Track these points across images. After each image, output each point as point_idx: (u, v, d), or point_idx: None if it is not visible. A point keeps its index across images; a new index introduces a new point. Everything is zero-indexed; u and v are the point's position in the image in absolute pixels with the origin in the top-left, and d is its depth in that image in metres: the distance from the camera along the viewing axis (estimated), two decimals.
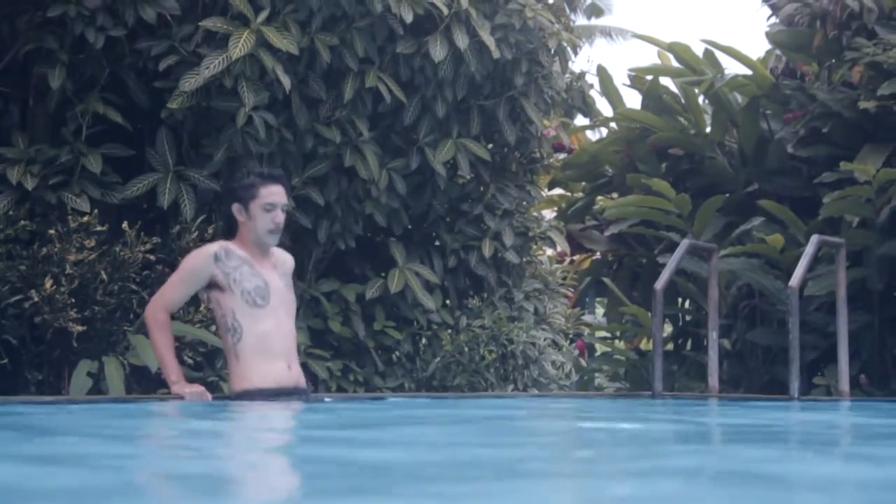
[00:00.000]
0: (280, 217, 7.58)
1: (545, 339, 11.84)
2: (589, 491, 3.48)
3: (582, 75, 13.40)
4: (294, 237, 10.55)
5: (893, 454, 5.09)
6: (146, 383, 9.15)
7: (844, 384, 10.62)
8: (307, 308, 10.74)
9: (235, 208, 7.65)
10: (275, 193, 7.57)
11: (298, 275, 10.79)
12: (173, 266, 9.61)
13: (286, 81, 9.68)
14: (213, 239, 9.86)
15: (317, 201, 10.41)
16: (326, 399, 8.62)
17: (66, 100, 9.65)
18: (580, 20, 28.36)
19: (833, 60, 14.78)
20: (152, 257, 9.40)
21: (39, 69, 9.55)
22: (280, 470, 4.10)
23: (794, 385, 10.00)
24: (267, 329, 7.47)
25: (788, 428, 7.34)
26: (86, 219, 9.16)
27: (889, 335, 13.79)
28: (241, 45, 9.39)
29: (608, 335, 17.40)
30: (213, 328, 9.65)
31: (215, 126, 9.95)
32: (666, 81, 16.28)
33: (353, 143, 10.44)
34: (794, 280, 10.13)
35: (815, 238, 10.79)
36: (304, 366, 10.11)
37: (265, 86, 9.78)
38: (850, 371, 11.13)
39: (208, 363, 9.79)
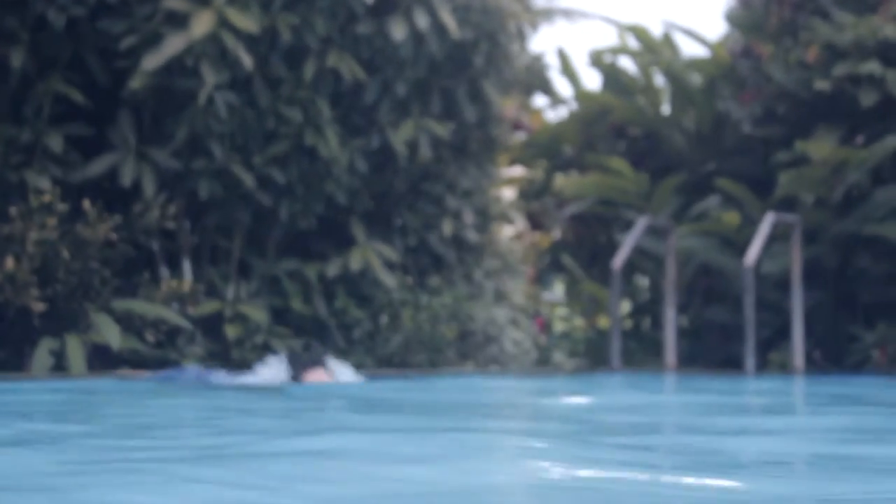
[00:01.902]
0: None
1: (505, 317, 11.94)
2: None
3: (541, 56, 13.48)
4: (255, 216, 10.60)
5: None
6: (108, 361, 9.20)
7: (799, 360, 10.78)
8: (268, 287, 10.80)
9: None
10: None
11: (260, 254, 10.86)
12: (135, 245, 9.67)
13: (247, 61, 9.72)
14: (174, 218, 9.92)
15: (278, 181, 10.46)
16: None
17: (28, 79, 9.67)
18: (540, 1, 28.40)
19: (789, 41, 14.91)
20: (114, 236, 9.42)
21: (0, 49, 9.55)
22: None
23: (750, 361, 10.15)
24: None
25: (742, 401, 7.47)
26: (47, 198, 9.17)
27: (843, 312, 13.95)
28: (202, 24, 9.42)
29: (567, 313, 17.50)
30: (175, 306, 9.71)
31: (177, 105, 9.98)
32: (625, 62, 16.39)
33: (314, 123, 10.48)
34: (750, 258, 10.26)
35: (770, 216, 10.93)
36: (265, 344, 10.22)
37: (226, 65, 9.81)
38: (805, 347, 11.29)
39: (170, 341, 9.84)
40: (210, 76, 9.59)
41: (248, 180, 10.15)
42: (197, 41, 9.44)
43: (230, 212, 10.44)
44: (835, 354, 13.63)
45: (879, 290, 13.86)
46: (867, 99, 13.27)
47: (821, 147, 13.08)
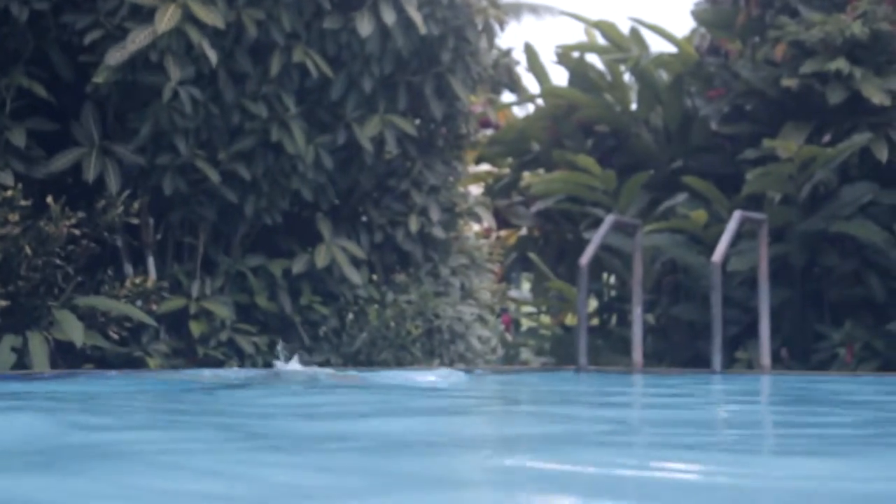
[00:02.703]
0: None
1: (471, 314, 11.89)
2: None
3: (508, 52, 13.44)
4: (220, 212, 10.53)
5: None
6: (71, 358, 9.12)
7: (766, 358, 10.77)
8: (233, 283, 10.73)
9: None
10: None
11: (225, 250, 10.79)
12: (99, 241, 9.58)
13: (212, 56, 9.64)
14: (138, 214, 9.84)
15: (243, 176, 10.38)
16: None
17: None
18: None
19: (756, 38, 14.93)
20: (77, 232, 9.34)
21: None
22: None
23: (717, 359, 10.13)
24: None
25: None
26: (9, 193, 9.08)
27: (810, 310, 13.98)
28: (167, 19, 9.33)
29: (534, 310, 17.50)
30: (139, 303, 9.64)
31: (141, 100, 9.89)
32: (592, 58, 16.38)
33: (279, 119, 10.42)
34: (717, 255, 10.25)
35: (737, 214, 10.92)
36: (230, 341, 10.16)
37: (191, 60, 9.73)
38: (772, 345, 11.29)
39: (134, 338, 9.77)
40: (175, 71, 9.51)
41: (213, 176, 10.08)
42: (161, 36, 9.36)
43: (195, 208, 10.36)
44: (801, 352, 13.65)
45: (846, 289, 13.90)
46: (834, 97, 13.29)
47: (788, 144, 13.10)
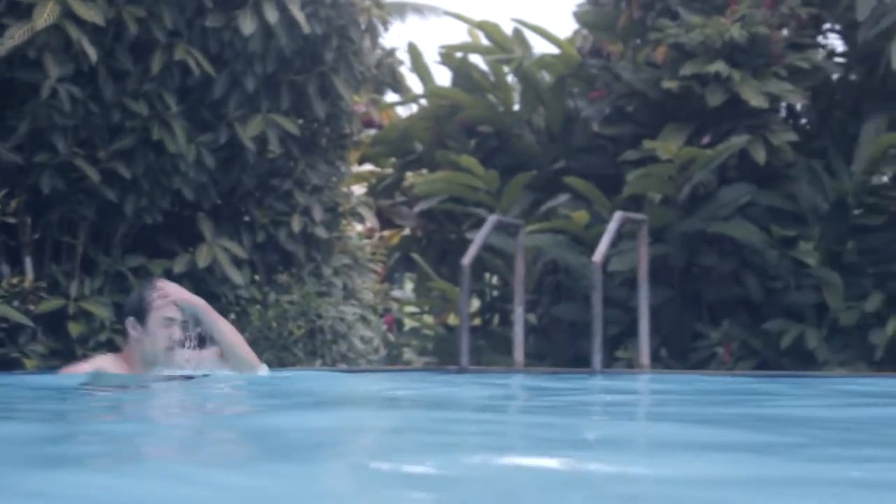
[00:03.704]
0: (178, 334, 7.25)
1: (354, 315, 11.87)
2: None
3: (392, 52, 13.44)
4: (100, 212, 10.40)
5: None
6: None
7: (645, 357, 10.88)
8: (113, 283, 10.60)
9: (129, 322, 7.27)
10: (175, 308, 7.26)
11: (104, 250, 10.65)
12: None
13: (92, 53, 9.52)
14: (15, 213, 9.68)
15: (123, 175, 10.26)
16: None
17: None
18: None
19: (638, 41, 15.10)
20: None
21: None
22: None
23: (597, 359, 10.20)
24: None
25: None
26: None
27: (689, 310, 14.17)
28: (45, 15, 9.20)
29: (417, 310, 17.53)
30: (16, 304, 9.49)
31: (19, 98, 9.74)
32: (476, 59, 16.44)
33: (160, 117, 10.31)
34: (598, 255, 10.33)
35: (618, 214, 11.02)
36: (109, 342, 10.03)
37: (71, 57, 9.60)
38: (651, 344, 11.42)
39: (10, 339, 9.62)
40: (53, 68, 9.38)
41: (93, 175, 9.95)
42: (40, 32, 9.22)
43: (74, 207, 10.22)
44: (681, 351, 13.83)
45: (724, 289, 14.11)
46: (714, 99, 13.49)
47: (668, 146, 13.26)
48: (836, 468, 3.56)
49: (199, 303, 7.30)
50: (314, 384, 8.40)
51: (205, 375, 7.37)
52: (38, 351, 9.67)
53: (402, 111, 18.04)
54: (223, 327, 7.42)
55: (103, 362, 7.27)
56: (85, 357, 9.16)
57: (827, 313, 13.49)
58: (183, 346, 7.21)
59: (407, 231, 16.99)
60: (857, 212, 13.99)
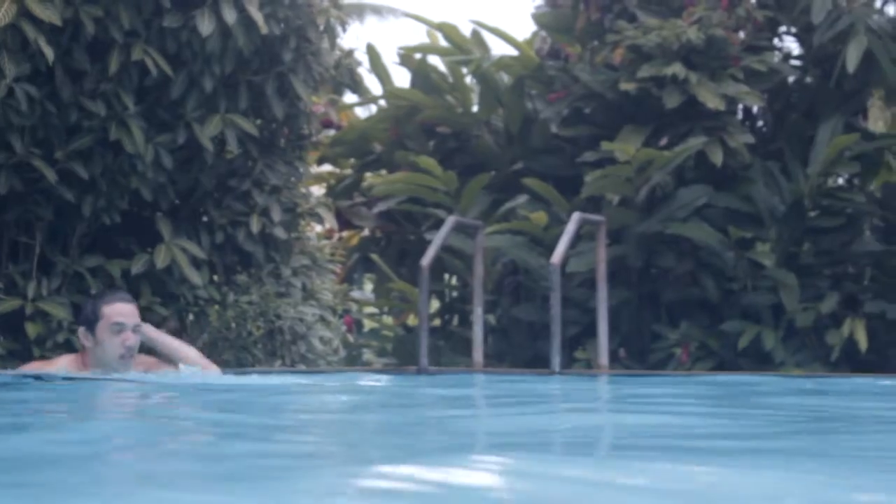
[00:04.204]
0: (131, 339, 7.26)
1: (313, 315, 11.86)
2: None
3: (351, 52, 13.44)
4: (57, 212, 10.35)
5: None
6: None
7: (604, 358, 10.91)
8: (71, 284, 10.55)
9: (81, 333, 7.26)
10: (123, 313, 7.27)
11: (62, 250, 10.61)
12: None
13: (49, 53, 9.47)
14: None
15: (81, 175, 10.21)
16: None
17: None
18: None
19: (595, 42, 15.15)
20: None
21: None
22: None
23: (556, 360, 10.24)
24: None
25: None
26: None
27: (647, 311, 14.23)
28: (1, 15, 9.15)
29: (376, 311, 17.52)
30: None
31: None
32: (435, 60, 16.47)
33: (118, 117, 10.26)
34: (556, 257, 10.36)
35: (576, 216, 11.05)
36: (67, 342, 9.98)
37: (27, 57, 9.55)
38: (610, 345, 11.46)
39: None
40: (10, 68, 9.33)
41: (50, 175, 9.90)
42: None
43: (31, 207, 10.17)
44: (639, 352, 13.88)
45: (682, 290, 14.18)
46: (671, 101, 13.55)
47: (626, 147, 13.32)
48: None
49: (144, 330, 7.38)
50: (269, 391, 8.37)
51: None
52: None
53: (361, 112, 18.04)
54: (173, 344, 7.50)
55: (63, 363, 7.28)
56: (44, 358, 9.15)
57: (784, 314, 13.58)
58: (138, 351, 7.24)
59: (366, 232, 16.99)
60: (813, 213, 14.10)
